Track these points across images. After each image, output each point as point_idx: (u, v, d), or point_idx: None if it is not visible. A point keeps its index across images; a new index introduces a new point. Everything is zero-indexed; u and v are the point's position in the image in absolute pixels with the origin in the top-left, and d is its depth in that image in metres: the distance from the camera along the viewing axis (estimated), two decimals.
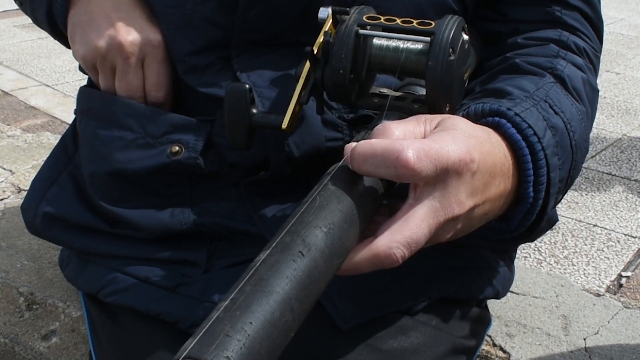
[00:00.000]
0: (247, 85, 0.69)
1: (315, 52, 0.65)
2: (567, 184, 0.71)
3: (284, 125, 0.67)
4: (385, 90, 0.69)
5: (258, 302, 0.45)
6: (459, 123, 0.59)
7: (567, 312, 1.08)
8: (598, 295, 1.14)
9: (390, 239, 0.54)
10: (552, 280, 1.16)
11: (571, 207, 2.27)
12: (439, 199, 0.55)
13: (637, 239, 2.17)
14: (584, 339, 1.03)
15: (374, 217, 0.58)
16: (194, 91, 0.80)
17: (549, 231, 2.23)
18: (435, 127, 0.59)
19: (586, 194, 2.38)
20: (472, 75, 0.75)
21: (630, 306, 1.11)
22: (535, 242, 2.03)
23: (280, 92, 0.76)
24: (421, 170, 0.53)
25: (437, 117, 0.60)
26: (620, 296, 1.95)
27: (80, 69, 0.94)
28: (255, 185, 0.81)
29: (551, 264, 1.96)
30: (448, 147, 0.55)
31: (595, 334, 1.04)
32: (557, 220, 0.83)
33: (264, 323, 0.44)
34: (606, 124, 3.02)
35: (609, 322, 1.07)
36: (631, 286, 1.96)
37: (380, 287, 0.78)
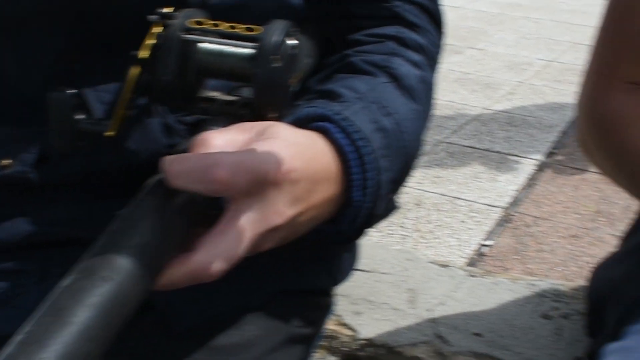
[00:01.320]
0: (73, 91, 0.66)
1: (144, 56, 0.64)
2: (399, 183, 0.72)
3: (110, 131, 0.66)
4: (215, 95, 0.69)
5: (54, 334, 0.43)
6: (282, 131, 0.58)
7: (414, 285, 1.10)
8: (445, 266, 1.16)
9: (207, 254, 0.54)
10: (401, 255, 1.18)
11: (434, 182, 2.34)
12: (257, 210, 0.55)
13: (497, 208, 2.25)
14: (430, 310, 1.05)
15: (195, 229, 0.57)
16: (25, 102, 0.76)
17: (413, 207, 2.29)
18: (258, 135, 0.58)
19: (449, 169, 2.45)
20: (314, 72, 0.75)
21: (475, 274, 1.14)
22: (399, 218, 2.07)
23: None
24: (235, 184, 0.53)
25: (261, 125, 0.60)
26: (483, 264, 2.03)
27: None
28: (91, 192, 0.78)
29: (416, 239, 2.00)
30: (264, 158, 0.55)
31: (441, 304, 1.07)
32: (397, 207, 0.84)
33: (60, 357, 0.43)
34: (469, 99, 3.12)
35: (454, 291, 1.10)
36: (493, 254, 2.04)
37: (216, 285, 0.76)
